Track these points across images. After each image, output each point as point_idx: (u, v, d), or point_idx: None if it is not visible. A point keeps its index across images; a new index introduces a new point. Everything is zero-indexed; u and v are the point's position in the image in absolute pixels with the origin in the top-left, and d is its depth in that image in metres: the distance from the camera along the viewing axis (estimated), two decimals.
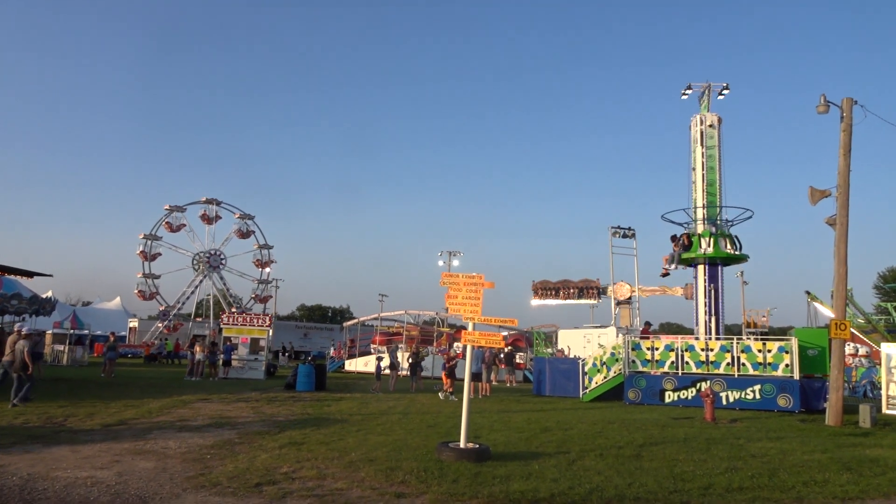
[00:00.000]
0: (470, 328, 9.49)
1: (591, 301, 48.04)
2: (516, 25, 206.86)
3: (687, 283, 40.62)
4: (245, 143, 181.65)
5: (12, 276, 30.39)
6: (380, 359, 23.75)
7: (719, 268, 21.52)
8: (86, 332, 38.74)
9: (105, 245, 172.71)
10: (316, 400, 18.01)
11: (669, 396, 18.97)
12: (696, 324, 21.44)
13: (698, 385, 18.61)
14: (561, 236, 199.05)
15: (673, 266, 22.26)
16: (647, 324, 23.72)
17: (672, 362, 19.22)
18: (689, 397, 18.68)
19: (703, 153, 22.34)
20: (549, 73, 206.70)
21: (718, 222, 21.63)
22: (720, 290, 21.50)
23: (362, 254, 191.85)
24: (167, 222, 59.86)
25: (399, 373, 27.31)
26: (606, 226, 40.07)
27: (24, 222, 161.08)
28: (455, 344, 40.52)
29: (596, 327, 37.29)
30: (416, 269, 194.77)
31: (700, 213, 21.58)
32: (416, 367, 24.49)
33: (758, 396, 18.04)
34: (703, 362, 18.96)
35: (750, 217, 21.49)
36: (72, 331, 37.72)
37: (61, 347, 35.11)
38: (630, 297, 44.18)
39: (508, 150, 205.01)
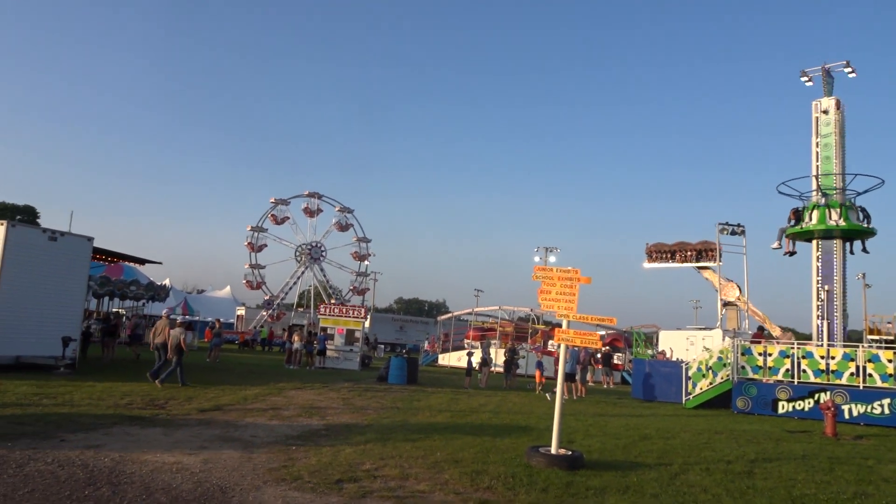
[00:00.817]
0: (564, 326, 8.88)
1: (711, 264, 43.86)
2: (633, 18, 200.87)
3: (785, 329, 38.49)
4: (349, 138, 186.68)
5: (129, 263, 32.37)
6: (470, 354, 23.39)
7: (835, 244, 19.86)
8: (196, 318, 40.75)
9: (220, 236, 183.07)
10: (406, 393, 17.87)
11: (783, 407, 17.46)
12: (820, 317, 19.82)
13: (817, 396, 17.02)
14: (666, 235, 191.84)
15: (776, 245, 20.93)
16: (761, 328, 22.05)
17: (787, 370, 17.67)
18: (806, 409, 17.11)
19: (816, 143, 20.62)
20: (663, 68, 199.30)
21: (835, 193, 20.07)
22: (843, 276, 19.75)
23: (461, 249, 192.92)
24: (272, 214, 62.27)
25: (492, 369, 26.90)
26: (714, 223, 37.96)
27: (146, 214, 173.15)
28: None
29: (700, 329, 35.35)
30: (512, 265, 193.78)
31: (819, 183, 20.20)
32: (510, 363, 23.97)
33: (886, 411, 16.26)
34: (822, 371, 17.31)
35: (881, 185, 19.66)
36: (184, 316, 39.82)
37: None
38: (740, 296, 41.63)
39: (615, 145, 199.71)
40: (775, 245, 21.16)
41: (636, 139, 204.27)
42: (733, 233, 37.89)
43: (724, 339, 30.41)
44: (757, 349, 18.35)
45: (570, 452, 8.69)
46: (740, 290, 39.77)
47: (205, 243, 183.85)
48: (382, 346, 56.21)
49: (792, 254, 21.39)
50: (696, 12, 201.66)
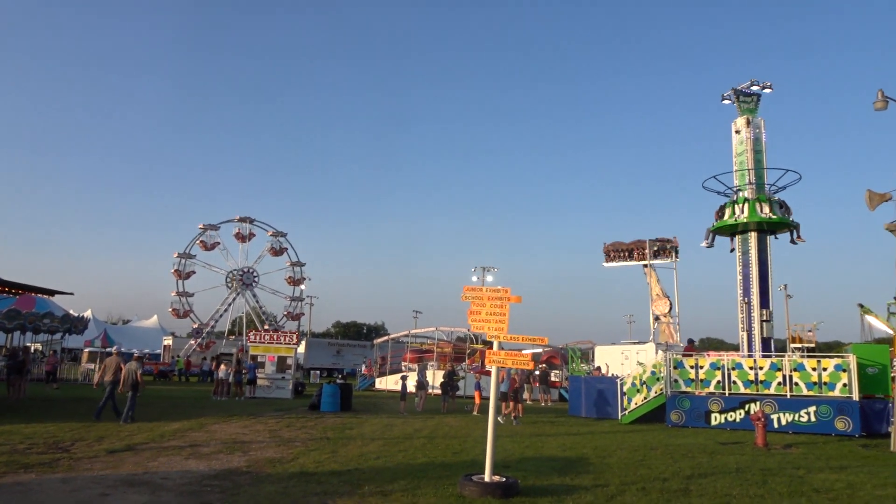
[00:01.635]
0: (495, 347, 8.57)
1: (668, 261, 43.21)
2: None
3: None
4: (278, 156, 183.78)
5: (41, 296, 30.44)
6: (404, 377, 22.84)
7: (751, 237, 20.82)
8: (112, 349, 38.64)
9: (145, 264, 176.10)
10: (339, 422, 17.18)
11: (716, 419, 17.66)
12: (744, 328, 20.35)
13: (747, 406, 17.30)
14: (594, 252, 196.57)
15: (705, 243, 21.67)
16: (690, 341, 22.39)
17: (718, 381, 17.92)
18: (738, 419, 17.35)
19: (734, 161, 21.52)
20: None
21: (747, 188, 21.10)
22: (761, 271, 20.44)
23: (397, 270, 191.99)
24: (201, 241, 60.13)
25: (428, 391, 26.40)
26: (646, 239, 38.86)
27: (62, 244, 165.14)
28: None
29: (634, 343, 35.89)
30: (450, 286, 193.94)
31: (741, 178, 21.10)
32: (448, 386, 23.53)
33: (813, 419, 16.66)
34: (751, 382, 17.64)
35: (798, 181, 20.69)
36: (103, 349, 37.70)
37: (92, 366, 35.00)
38: (669, 312, 42.58)
39: (544, 162, 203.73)
40: (704, 243, 21.87)
41: (569, 155, 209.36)
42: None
43: (657, 353, 30.91)
44: (689, 362, 18.56)
45: (503, 479, 8.32)
46: (671, 305, 40.74)
47: (131, 273, 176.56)
48: (318, 372, 54.88)
49: (709, 246, 22.16)
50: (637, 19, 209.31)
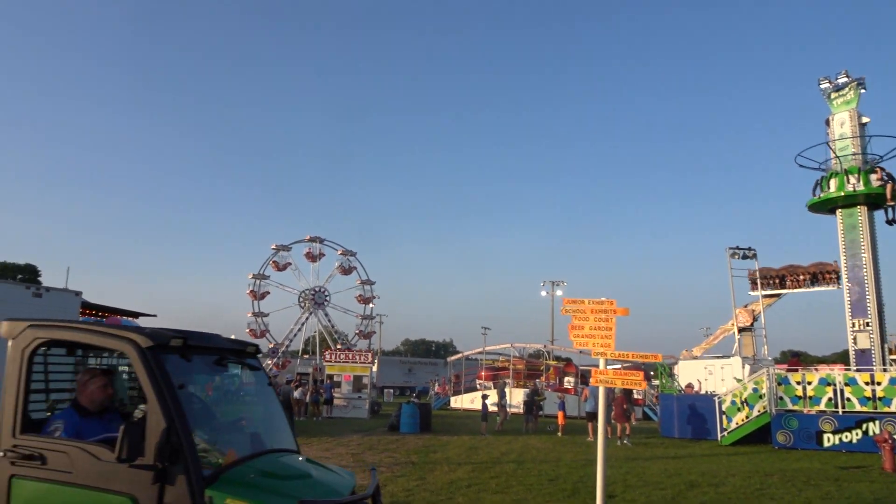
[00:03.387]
0: (602, 366, 7.76)
1: (829, 288, 35.57)
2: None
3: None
4: (346, 179, 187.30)
5: (125, 318, 31.35)
6: (485, 397, 22.08)
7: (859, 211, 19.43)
8: None
9: (222, 286, 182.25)
10: (421, 444, 16.57)
11: (829, 440, 16.13)
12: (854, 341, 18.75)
13: (865, 426, 15.72)
14: (670, 263, 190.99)
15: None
16: (795, 354, 20.78)
17: (829, 399, 16.39)
18: (855, 440, 15.80)
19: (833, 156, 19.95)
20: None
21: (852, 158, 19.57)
22: (873, 254, 18.88)
23: (464, 287, 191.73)
24: (274, 261, 61.34)
25: (508, 411, 25.59)
26: (724, 247, 36.82)
27: (146, 270, 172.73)
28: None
29: (718, 357, 33.98)
30: (518, 301, 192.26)
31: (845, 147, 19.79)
32: (531, 405, 22.65)
33: None
34: (868, 398, 16.04)
35: None
36: None
37: None
38: (752, 324, 40.27)
39: (610, 177, 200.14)
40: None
41: (651, 173, 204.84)
42: (744, 256, 36.75)
43: (743, 367, 29.06)
44: (794, 377, 17.08)
45: None
46: (755, 317, 38.44)
47: (208, 295, 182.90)
48: (391, 391, 54.73)
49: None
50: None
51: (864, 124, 20.15)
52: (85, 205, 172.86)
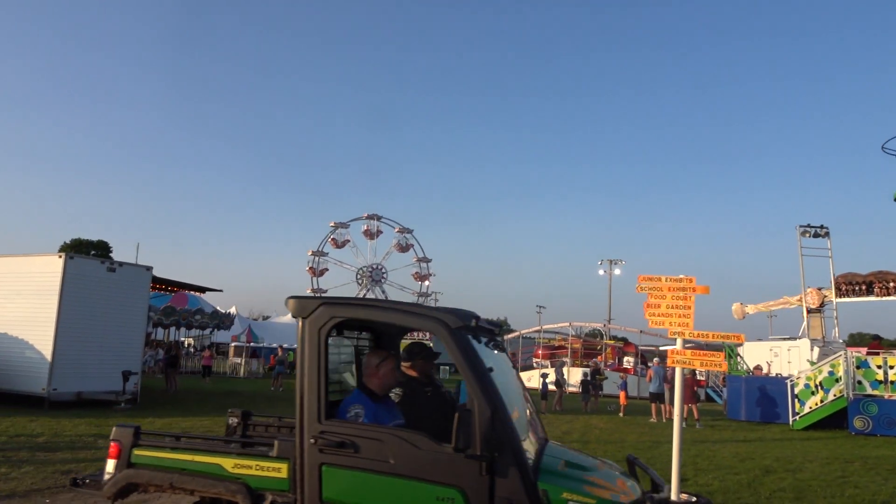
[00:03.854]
0: (679, 346, 7.43)
1: None
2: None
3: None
4: (403, 157, 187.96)
5: (193, 293, 32.31)
6: (545, 375, 21.88)
7: None
8: (260, 344, 40.56)
9: (284, 262, 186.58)
10: None
11: None
12: None
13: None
14: (735, 240, 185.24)
15: None
16: (877, 337, 19.72)
17: None
18: None
19: None
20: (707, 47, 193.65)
21: None
22: None
23: (519, 265, 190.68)
24: (332, 238, 62.25)
25: (566, 390, 25.34)
26: (794, 225, 35.23)
27: (210, 245, 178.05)
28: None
29: (784, 339, 32.78)
30: (574, 280, 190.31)
31: None
32: (590, 384, 22.35)
33: None
34: None
35: None
36: (248, 344, 39.66)
37: (239, 360, 36.84)
38: (822, 305, 38.55)
39: (665, 145, 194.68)
40: None
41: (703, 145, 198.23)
42: (816, 235, 35.14)
43: (812, 350, 27.92)
44: (875, 361, 16.26)
45: (694, 499, 7.19)
46: (824, 298, 36.65)
47: (269, 270, 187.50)
48: (447, 368, 55.01)
49: None
50: None
51: None
52: (153, 182, 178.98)
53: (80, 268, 15.73)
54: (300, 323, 3.84)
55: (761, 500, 8.12)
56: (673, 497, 7.09)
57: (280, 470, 3.70)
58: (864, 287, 32.93)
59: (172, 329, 40.38)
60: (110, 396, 15.81)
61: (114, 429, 4.13)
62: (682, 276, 7.46)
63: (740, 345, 33.77)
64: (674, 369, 18.37)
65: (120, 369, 15.76)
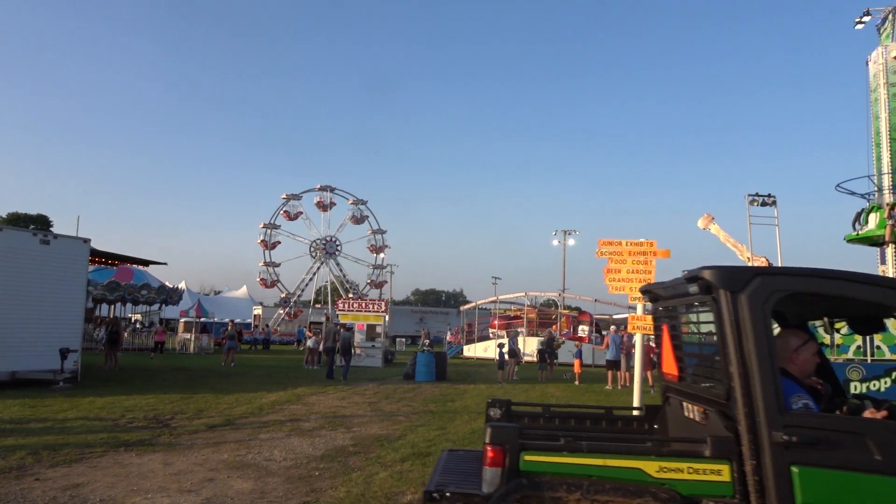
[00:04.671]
0: (639, 312, 7.26)
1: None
2: None
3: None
4: (359, 128, 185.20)
5: (139, 267, 31.13)
6: (502, 346, 21.81)
7: None
8: (209, 319, 39.55)
9: (234, 236, 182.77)
10: (438, 393, 16.33)
11: (855, 388, 15.69)
12: None
13: (893, 374, 15.27)
14: (692, 212, 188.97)
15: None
16: None
17: (858, 347, 15.93)
18: (883, 388, 15.36)
19: (885, 95, 18.65)
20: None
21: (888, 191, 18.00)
22: None
23: (475, 237, 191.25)
24: (285, 211, 60.88)
25: (520, 360, 25.36)
26: (742, 194, 35.86)
27: (160, 220, 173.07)
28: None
29: None
30: (528, 252, 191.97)
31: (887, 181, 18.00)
32: (546, 353, 22.37)
33: None
34: None
35: None
36: (198, 319, 38.63)
37: (188, 336, 35.85)
38: None
39: (624, 113, 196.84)
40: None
41: (652, 106, 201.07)
42: (763, 203, 35.83)
43: None
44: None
45: None
46: (770, 264, 37.71)
47: (221, 245, 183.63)
48: (403, 340, 54.87)
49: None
50: None
51: None
52: (97, 158, 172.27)
53: (10, 240, 14.79)
54: (725, 297, 3.25)
55: None
56: None
57: (721, 472, 3.13)
58: None
59: (119, 305, 39.06)
60: (48, 375, 15.01)
61: (488, 429, 3.33)
62: (642, 239, 7.26)
63: None
64: (630, 336, 18.49)
65: (58, 347, 14.96)
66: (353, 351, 20.62)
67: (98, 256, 21.72)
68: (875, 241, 18.38)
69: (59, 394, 13.87)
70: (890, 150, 18.29)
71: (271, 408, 12.79)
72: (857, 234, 18.07)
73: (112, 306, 40.00)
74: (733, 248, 21.57)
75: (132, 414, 11.54)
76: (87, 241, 16.57)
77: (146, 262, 22.81)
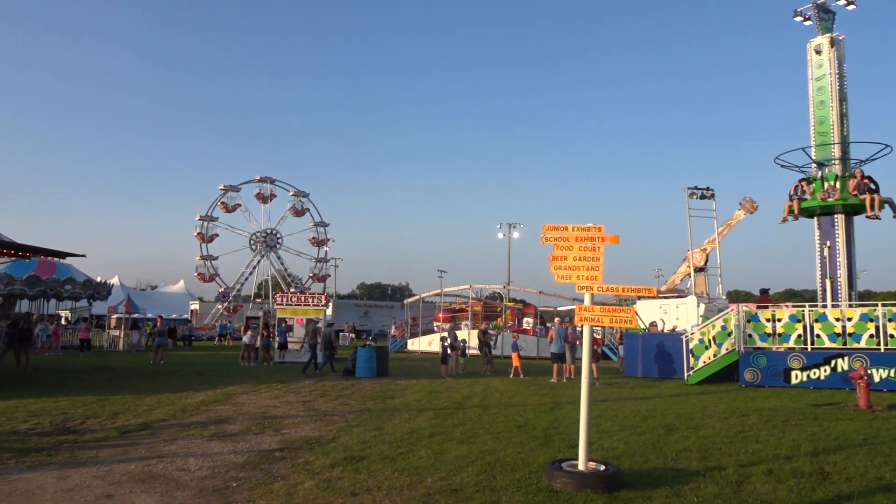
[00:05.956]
0: (587, 302, 6.74)
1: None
2: None
3: (741, 199, 37.65)
4: (295, 119, 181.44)
5: (59, 260, 29.25)
6: (444, 339, 21.22)
7: (835, 218, 18.33)
8: (140, 315, 37.69)
9: (171, 229, 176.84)
10: (378, 389, 15.63)
11: (797, 377, 15.81)
12: (823, 275, 18.34)
13: (833, 363, 15.41)
14: (632, 204, 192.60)
15: (784, 219, 19.15)
16: (765, 291, 20.28)
17: (799, 336, 16.01)
18: (822, 377, 15.51)
19: (811, 90, 19.03)
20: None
21: (836, 162, 18.41)
22: (847, 246, 18.15)
23: (419, 231, 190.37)
24: (222, 202, 58.92)
25: (466, 353, 24.84)
26: (682, 187, 36.35)
27: (91, 213, 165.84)
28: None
29: (673, 297, 33.90)
30: (474, 245, 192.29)
31: (826, 153, 18.41)
32: (484, 345, 21.89)
33: None
34: (838, 335, 15.69)
35: (888, 153, 18.02)
36: (129, 315, 36.73)
37: (117, 333, 34.04)
38: (705, 265, 40.38)
39: (563, 102, 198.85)
40: (782, 220, 19.18)
41: (593, 96, 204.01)
42: (702, 197, 36.40)
43: (698, 306, 28.95)
44: (764, 315, 16.63)
45: (602, 467, 6.59)
46: (707, 257, 38.37)
47: (156, 238, 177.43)
48: (347, 335, 53.71)
49: (784, 221, 19.52)
50: None
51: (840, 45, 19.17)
52: (21, 146, 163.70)
53: None
54: None
55: (668, 461, 7.69)
56: (580, 466, 6.47)
57: None
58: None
59: (42, 301, 36.76)
60: None
61: None
62: (589, 224, 6.74)
63: (633, 302, 34.68)
64: (574, 327, 18.11)
65: None
66: (333, 345, 21.10)
67: (8, 248, 20.07)
68: (810, 214, 18.93)
69: None
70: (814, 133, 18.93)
71: (196, 409, 11.86)
72: (809, 203, 18.41)
73: (34, 302, 37.65)
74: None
75: (36, 419, 10.46)
76: None
77: (63, 254, 21.30)
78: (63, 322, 38.57)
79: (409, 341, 38.69)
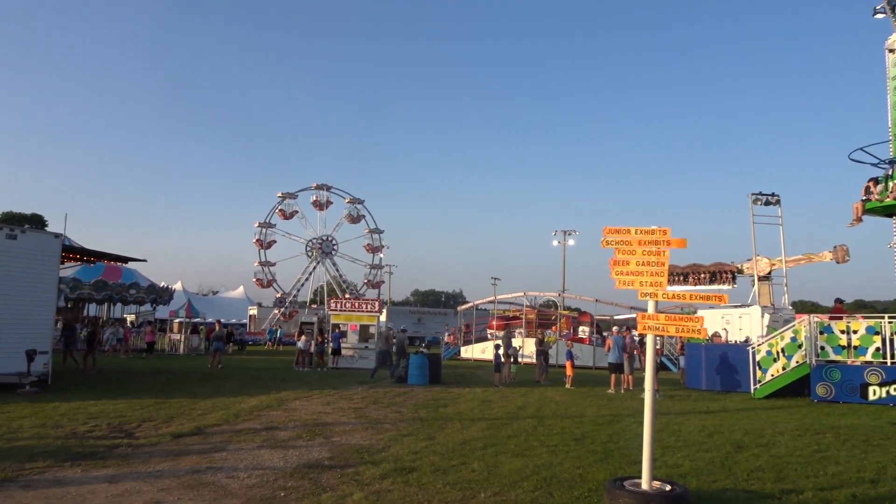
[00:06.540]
0: (650, 309, 6.32)
1: (726, 286, 41.70)
2: None
3: (836, 245, 35.14)
4: (356, 127, 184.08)
5: (124, 265, 30.17)
6: (498, 347, 20.85)
7: None
8: (200, 320, 38.62)
9: (233, 236, 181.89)
10: (430, 398, 15.39)
11: (875, 393, 14.80)
12: None
13: None
14: (692, 212, 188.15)
15: (853, 223, 18.01)
16: (840, 301, 19.17)
17: (877, 349, 14.99)
18: None
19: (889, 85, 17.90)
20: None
21: None
22: None
23: (474, 237, 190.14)
24: (280, 210, 60.02)
25: (520, 361, 24.42)
26: (746, 193, 34.87)
27: (158, 221, 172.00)
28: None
29: (736, 307, 32.52)
30: (527, 252, 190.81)
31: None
32: (542, 354, 21.42)
33: None
34: None
35: None
36: (189, 319, 37.68)
37: (178, 336, 34.90)
38: (770, 273, 38.61)
39: (626, 114, 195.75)
40: (850, 224, 17.99)
41: (648, 104, 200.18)
42: (767, 203, 34.91)
43: (763, 317, 27.68)
44: (838, 326, 15.66)
45: (668, 487, 6.15)
46: (772, 265, 36.63)
47: (219, 245, 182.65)
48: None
49: (857, 222, 18.35)
50: None
51: None
52: (92, 158, 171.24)
53: None
54: None
55: (739, 482, 7.16)
56: (644, 486, 6.04)
57: None
58: (681, 277, 37.71)
59: (108, 304, 38.13)
60: (13, 379, 14.06)
61: None
62: (654, 227, 6.33)
63: (695, 311, 33.45)
64: (632, 337, 17.48)
65: (24, 348, 14.02)
66: (406, 351, 21.61)
67: (75, 253, 20.75)
68: (890, 213, 17.63)
69: (24, 398, 12.95)
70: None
71: (248, 414, 11.85)
72: (874, 203, 17.17)
73: (101, 306, 39.08)
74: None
75: (95, 422, 10.60)
76: (58, 236, 15.67)
77: (125, 259, 21.83)
78: (129, 325, 39.86)
79: (463, 348, 38.41)
